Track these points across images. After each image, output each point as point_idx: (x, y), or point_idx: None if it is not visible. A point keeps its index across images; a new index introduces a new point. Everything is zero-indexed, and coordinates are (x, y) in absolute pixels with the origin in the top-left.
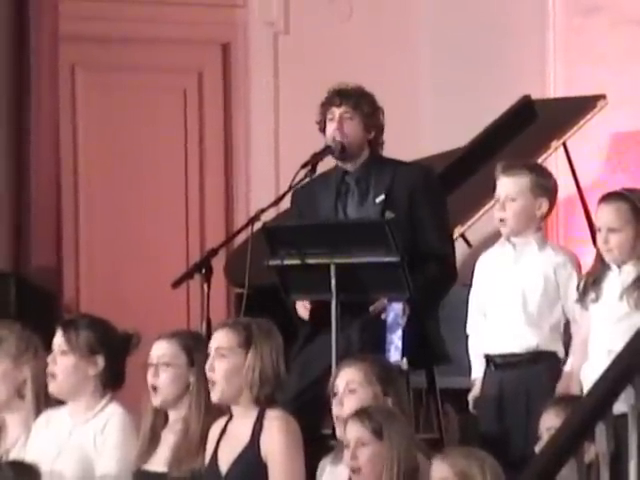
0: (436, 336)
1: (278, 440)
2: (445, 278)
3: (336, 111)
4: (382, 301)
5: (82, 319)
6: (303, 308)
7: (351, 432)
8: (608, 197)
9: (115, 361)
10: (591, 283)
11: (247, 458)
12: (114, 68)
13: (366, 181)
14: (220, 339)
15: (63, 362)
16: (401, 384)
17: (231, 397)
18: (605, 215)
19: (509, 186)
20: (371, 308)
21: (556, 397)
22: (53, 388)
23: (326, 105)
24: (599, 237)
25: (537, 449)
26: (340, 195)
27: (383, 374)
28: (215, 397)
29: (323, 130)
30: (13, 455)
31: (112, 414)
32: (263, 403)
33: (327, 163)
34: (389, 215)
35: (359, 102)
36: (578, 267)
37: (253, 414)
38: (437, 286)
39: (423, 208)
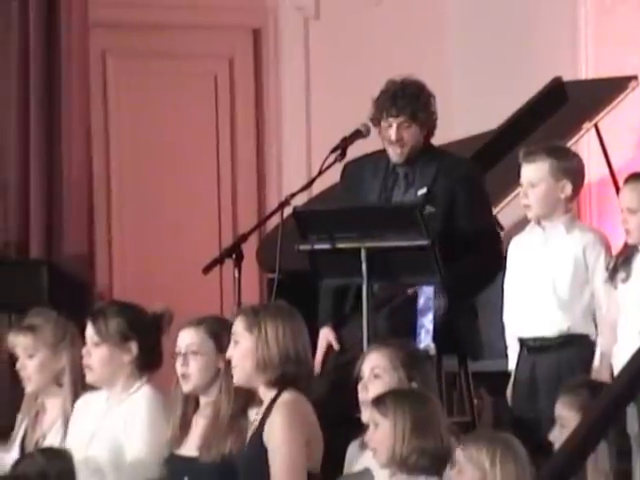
0: (469, 328)
1: (277, 423)
2: (483, 269)
3: (393, 121)
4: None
5: (110, 307)
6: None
7: (365, 417)
8: (629, 178)
9: (149, 343)
10: (621, 262)
11: (253, 442)
12: (145, 54)
13: (413, 173)
14: (233, 326)
15: (97, 354)
16: (428, 368)
17: (247, 381)
18: (623, 196)
19: (529, 172)
20: (409, 290)
21: (566, 385)
22: (91, 379)
23: (381, 109)
24: (621, 218)
25: (550, 437)
26: (387, 183)
27: (408, 359)
28: (234, 382)
29: (377, 125)
30: (49, 438)
31: (142, 397)
32: (280, 385)
33: (358, 147)
34: (429, 209)
35: (416, 111)
36: (607, 247)
37: (270, 397)
38: (475, 278)
39: (462, 201)
